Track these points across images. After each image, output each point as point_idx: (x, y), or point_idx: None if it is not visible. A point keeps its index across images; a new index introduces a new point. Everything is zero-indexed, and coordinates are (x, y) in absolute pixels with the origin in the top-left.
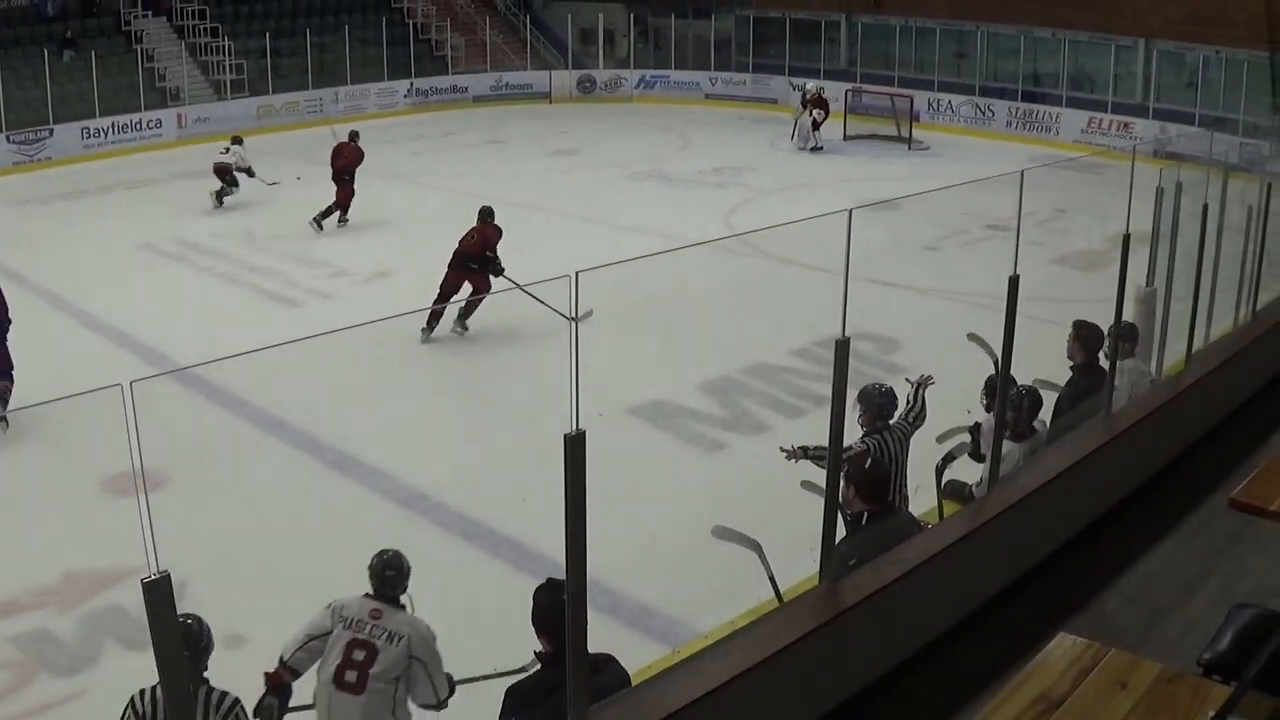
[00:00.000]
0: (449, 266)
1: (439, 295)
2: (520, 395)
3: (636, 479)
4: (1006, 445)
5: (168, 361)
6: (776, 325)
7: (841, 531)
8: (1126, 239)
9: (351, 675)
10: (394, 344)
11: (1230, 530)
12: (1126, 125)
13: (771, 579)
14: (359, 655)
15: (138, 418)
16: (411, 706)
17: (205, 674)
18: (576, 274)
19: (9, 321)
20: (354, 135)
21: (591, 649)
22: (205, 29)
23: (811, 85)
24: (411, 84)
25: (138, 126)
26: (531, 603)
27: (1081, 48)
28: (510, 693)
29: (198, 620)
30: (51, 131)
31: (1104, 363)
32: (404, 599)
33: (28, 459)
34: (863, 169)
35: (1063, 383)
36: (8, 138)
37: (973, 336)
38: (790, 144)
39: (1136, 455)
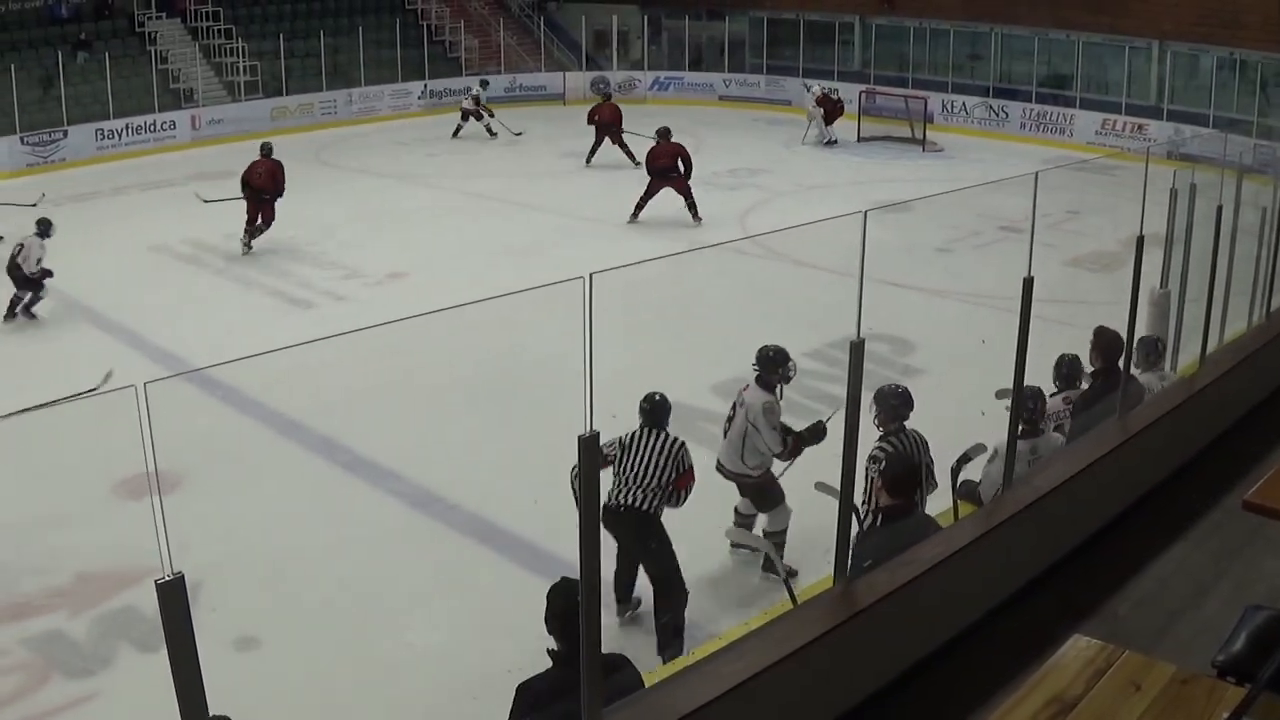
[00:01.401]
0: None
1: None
2: (534, 396)
3: None
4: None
5: (181, 363)
6: (790, 327)
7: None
8: (1141, 241)
9: None
10: (408, 345)
11: (1244, 532)
12: (1140, 127)
13: (785, 581)
14: None
15: (151, 419)
16: None
17: None
18: (590, 275)
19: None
20: (267, 148)
21: (605, 649)
22: (219, 30)
23: (817, 87)
24: (425, 85)
25: (152, 128)
26: (545, 603)
27: (1095, 49)
28: (522, 691)
29: None
30: (66, 133)
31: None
32: None
33: (41, 460)
34: (876, 171)
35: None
36: (22, 139)
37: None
38: (806, 144)
39: (1150, 457)
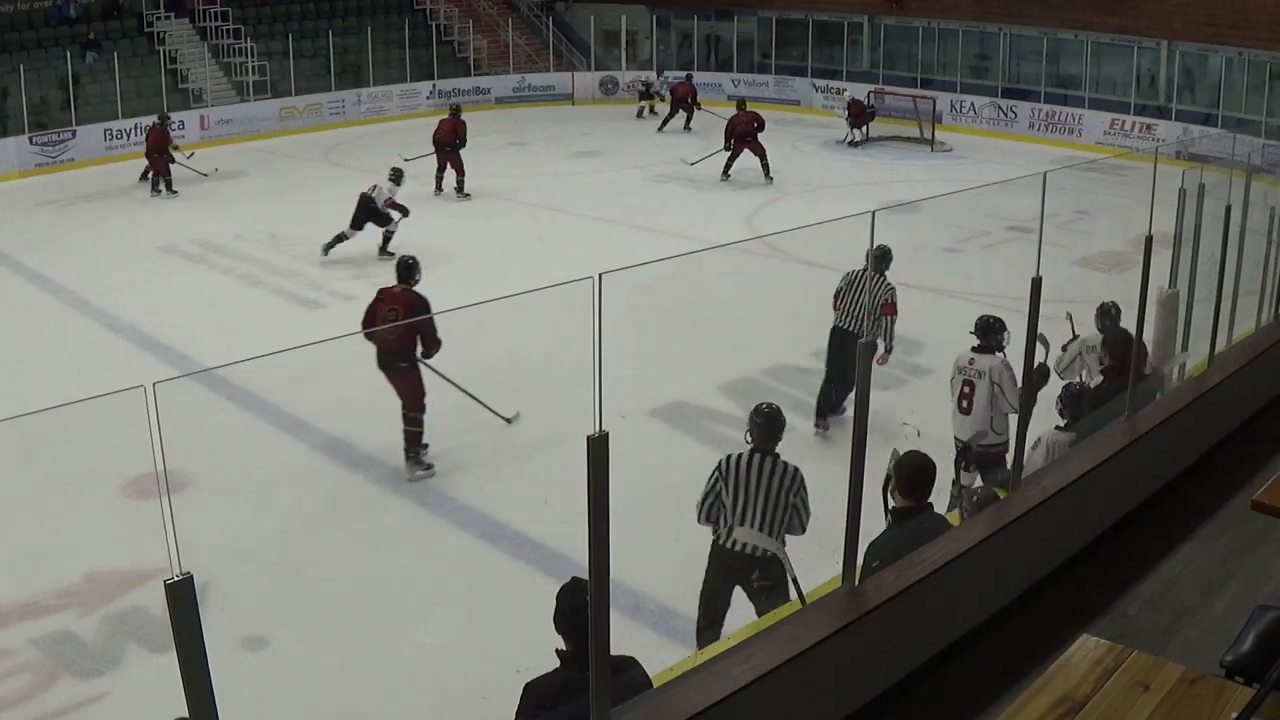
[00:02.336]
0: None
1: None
2: (543, 396)
3: (659, 480)
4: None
5: (190, 363)
6: (798, 327)
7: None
8: (1149, 241)
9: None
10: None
11: (1253, 532)
12: (1149, 127)
13: (794, 580)
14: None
15: (160, 419)
16: None
17: None
18: (599, 276)
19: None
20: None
21: (613, 650)
22: (228, 30)
23: (849, 92)
24: (434, 85)
25: None
26: (554, 603)
27: (1104, 49)
28: (530, 691)
29: None
30: (74, 133)
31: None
32: None
33: (50, 460)
34: (885, 171)
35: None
36: (30, 140)
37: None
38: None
39: (1159, 457)
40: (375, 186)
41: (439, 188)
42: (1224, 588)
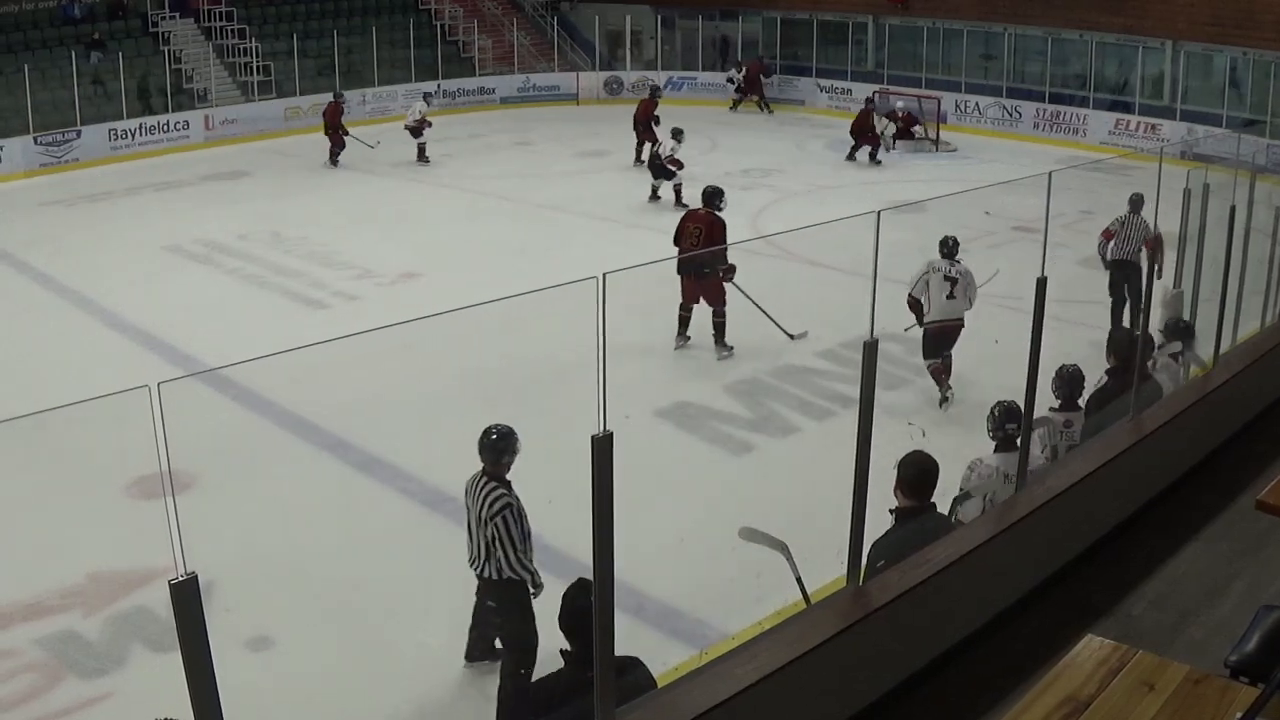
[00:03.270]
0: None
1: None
2: (547, 396)
3: (664, 481)
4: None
5: (194, 363)
6: (803, 327)
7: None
8: (1154, 240)
9: None
10: (421, 345)
11: (1257, 532)
12: (1154, 127)
13: (799, 580)
14: None
15: (165, 419)
16: None
17: None
18: (603, 275)
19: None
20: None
21: (618, 650)
22: (232, 30)
23: (900, 104)
24: (439, 85)
25: (165, 128)
26: (560, 603)
27: (1108, 49)
28: (534, 690)
29: None
30: (79, 133)
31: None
32: None
33: (54, 460)
34: (889, 171)
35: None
36: (35, 140)
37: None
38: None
39: (1163, 457)
40: (660, 144)
41: (638, 159)
42: (1229, 588)
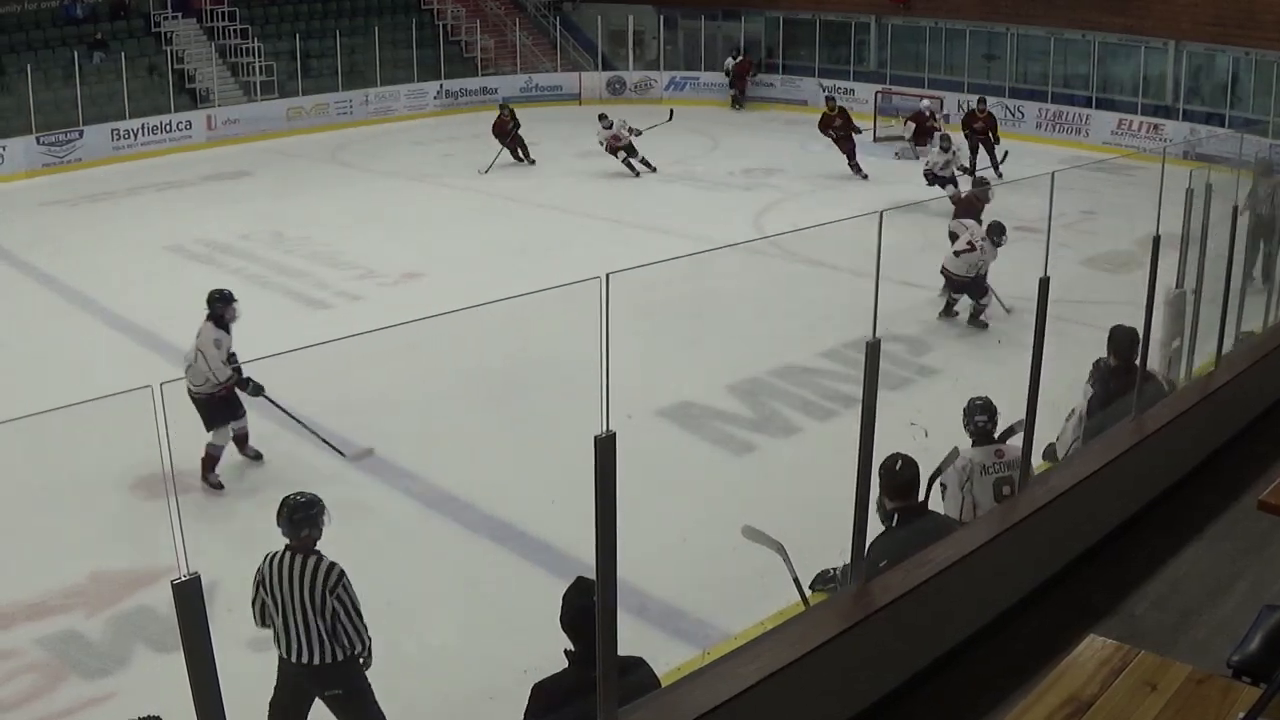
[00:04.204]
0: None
1: None
2: (550, 397)
3: (666, 481)
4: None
5: None
6: (806, 327)
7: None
8: (1156, 241)
9: None
10: (423, 345)
11: (1259, 532)
12: (1156, 127)
13: (796, 581)
14: None
15: (168, 419)
16: None
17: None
18: (607, 276)
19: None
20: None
21: (621, 650)
22: (235, 30)
23: (926, 103)
24: (441, 85)
25: (167, 128)
26: (561, 603)
27: (1111, 49)
28: (537, 691)
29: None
30: (81, 133)
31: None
32: None
33: (57, 460)
34: (891, 170)
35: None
36: (38, 140)
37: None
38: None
39: (1165, 457)
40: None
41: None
42: (1231, 588)
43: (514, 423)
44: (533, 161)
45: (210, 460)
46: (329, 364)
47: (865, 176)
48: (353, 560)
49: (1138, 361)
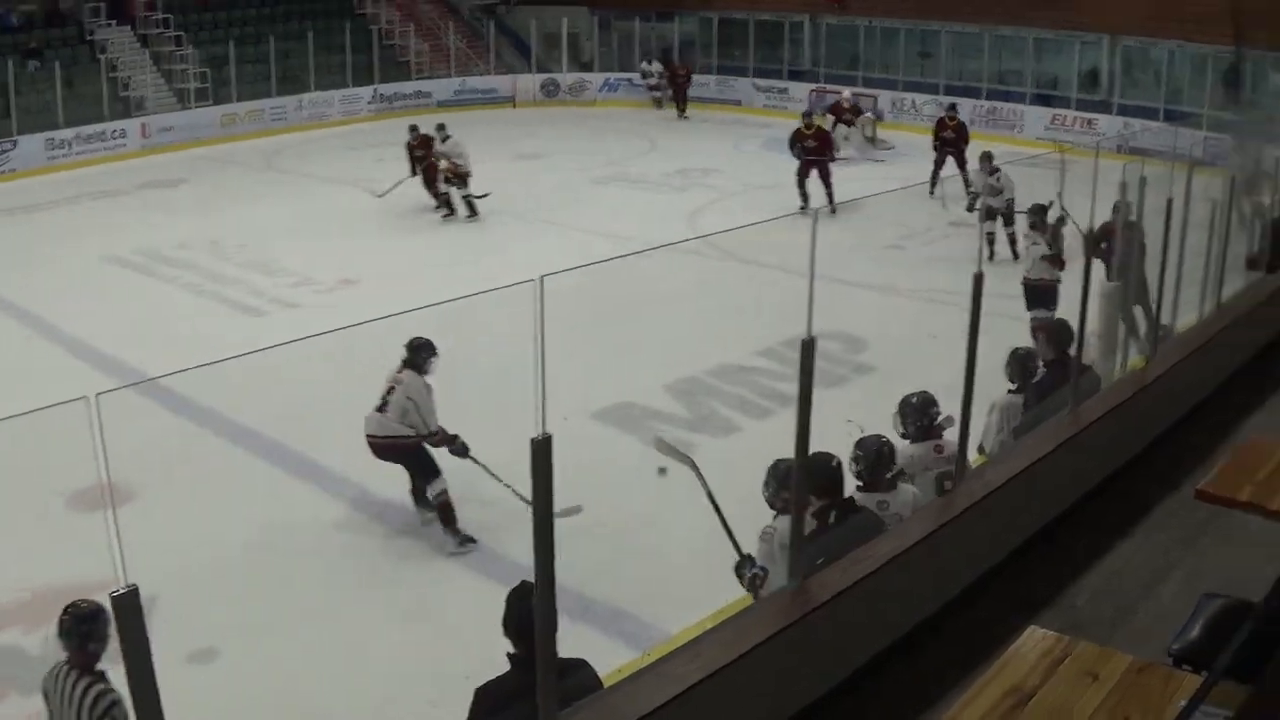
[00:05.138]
0: None
1: None
2: (486, 400)
3: (604, 482)
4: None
5: (133, 373)
6: (742, 326)
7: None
8: (1090, 234)
9: None
10: (360, 351)
11: (1197, 521)
12: (1090, 122)
13: (710, 497)
14: None
15: (104, 430)
16: None
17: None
18: (542, 278)
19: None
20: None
21: (562, 653)
22: (169, 38)
23: (847, 92)
24: (375, 90)
25: (102, 137)
26: (504, 607)
27: (1045, 45)
28: (480, 695)
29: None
30: (15, 143)
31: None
32: None
33: None
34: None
35: None
36: None
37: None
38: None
39: (1102, 449)
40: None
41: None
42: (1169, 577)
43: (451, 426)
44: (450, 211)
45: (449, 509)
46: (265, 371)
47: (833, 211)
48: (292, 569)
49: (1073, 353)
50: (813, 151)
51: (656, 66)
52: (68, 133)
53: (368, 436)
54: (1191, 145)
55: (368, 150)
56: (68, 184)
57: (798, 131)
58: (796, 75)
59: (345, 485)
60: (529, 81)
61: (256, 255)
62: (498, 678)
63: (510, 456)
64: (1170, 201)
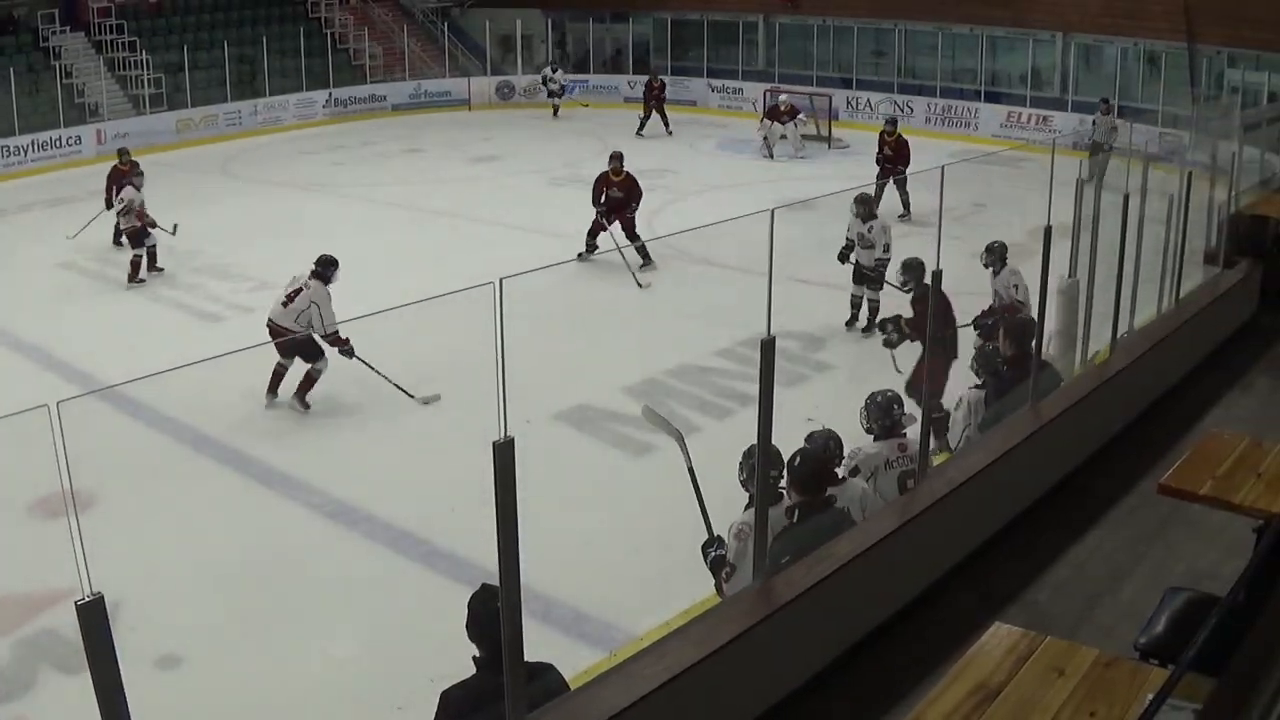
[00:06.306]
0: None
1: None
2: (446, 403)
3: (566, 484)
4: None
5: (92, 381)
6: (700, 326)
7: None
8: (1048, 231)
9: None
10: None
11: (1160, 515)
12: (1045, 119)
13: (691, 472)
14: None
15: (65, 438)
16: None
17: None
18: (500, 281)
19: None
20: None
21: (527, 656)
22: (123, 44)
23: (784, 98)
24: (330, 94)
25: (57, 144)
26: (467, 610)
27: (999, 43)
28: (445, 699)
29: None
30: None
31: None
32: None
33: None
34: (782, 169)
35: None
36: None
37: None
38: (787, 155)
39: (1064, 444)
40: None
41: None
42: (1133, 572)
43: (412, 430)
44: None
45: (311, 382)
46: (224, 377)
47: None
48: (255, 574)
49: (1033, 350)
50: (890, 160)
51: (560, 73)
52: (23, 139)
53: (269, 321)
54: (1147, 141)
55: (323, 154)
56: (23, 191)
57: (880, 138)
58: (751, 75)
59: (306, 490)
60: (484, 84)
61: (213, 260)
62: (462, 681)
63: (473, 459)
64: (1127, 197)
